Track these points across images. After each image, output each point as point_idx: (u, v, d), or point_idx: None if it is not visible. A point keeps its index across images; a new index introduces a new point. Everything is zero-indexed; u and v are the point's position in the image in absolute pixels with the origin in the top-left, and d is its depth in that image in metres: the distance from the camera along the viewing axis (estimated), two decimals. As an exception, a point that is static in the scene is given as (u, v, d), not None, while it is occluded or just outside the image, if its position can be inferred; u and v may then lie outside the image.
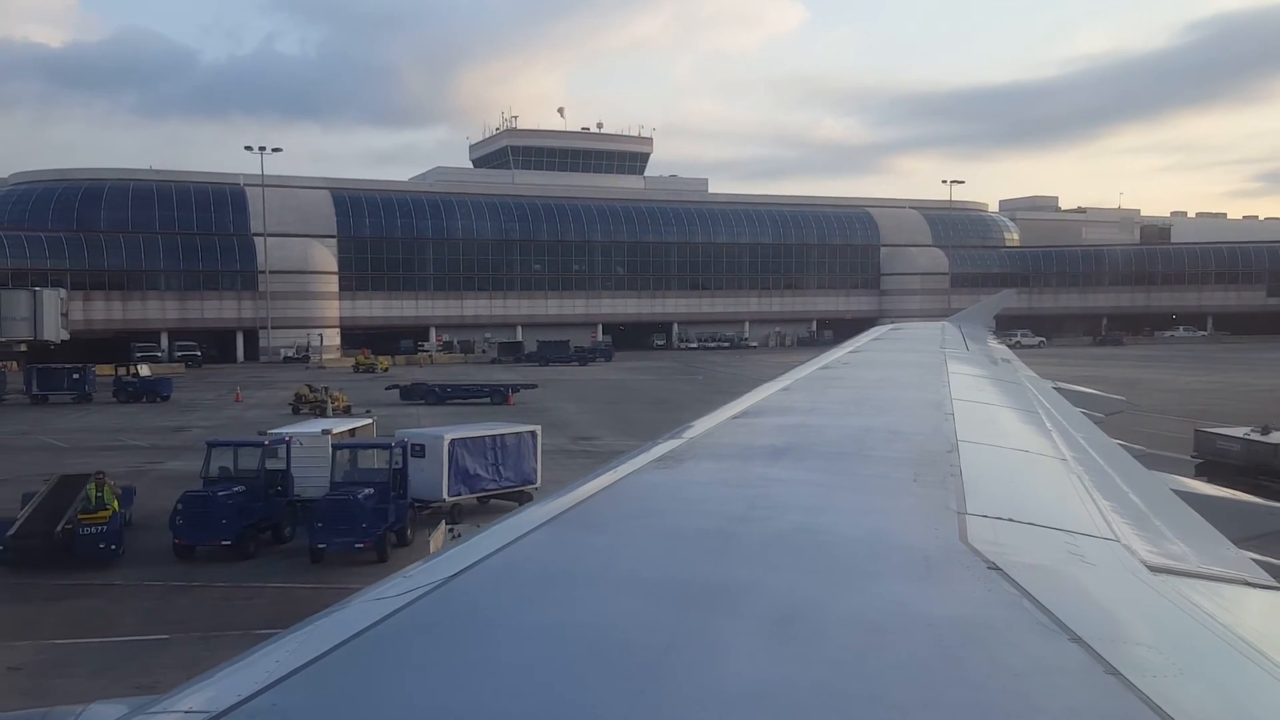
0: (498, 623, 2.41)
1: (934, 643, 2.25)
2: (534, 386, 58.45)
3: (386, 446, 24.16)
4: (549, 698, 1.97)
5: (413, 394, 55.54)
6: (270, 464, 23.94)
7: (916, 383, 8.92)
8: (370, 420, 30.90)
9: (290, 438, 25.33)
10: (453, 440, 25.38)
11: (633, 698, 1.95)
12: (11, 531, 20.73)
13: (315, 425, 28.85)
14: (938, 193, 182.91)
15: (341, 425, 28.47)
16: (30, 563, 20.62)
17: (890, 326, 20.84)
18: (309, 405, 49.88)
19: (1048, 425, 6.60)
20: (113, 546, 21.18)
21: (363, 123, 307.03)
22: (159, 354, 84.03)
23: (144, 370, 62.71)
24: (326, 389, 52.87)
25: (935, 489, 3.86)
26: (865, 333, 18.23)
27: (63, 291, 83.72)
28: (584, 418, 39.88)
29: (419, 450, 24.60)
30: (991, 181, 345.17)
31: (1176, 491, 5.08)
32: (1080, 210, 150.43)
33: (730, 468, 4.39)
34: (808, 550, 3.02)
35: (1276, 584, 3.45)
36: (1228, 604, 3.03)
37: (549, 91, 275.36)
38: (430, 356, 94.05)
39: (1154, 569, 3.12)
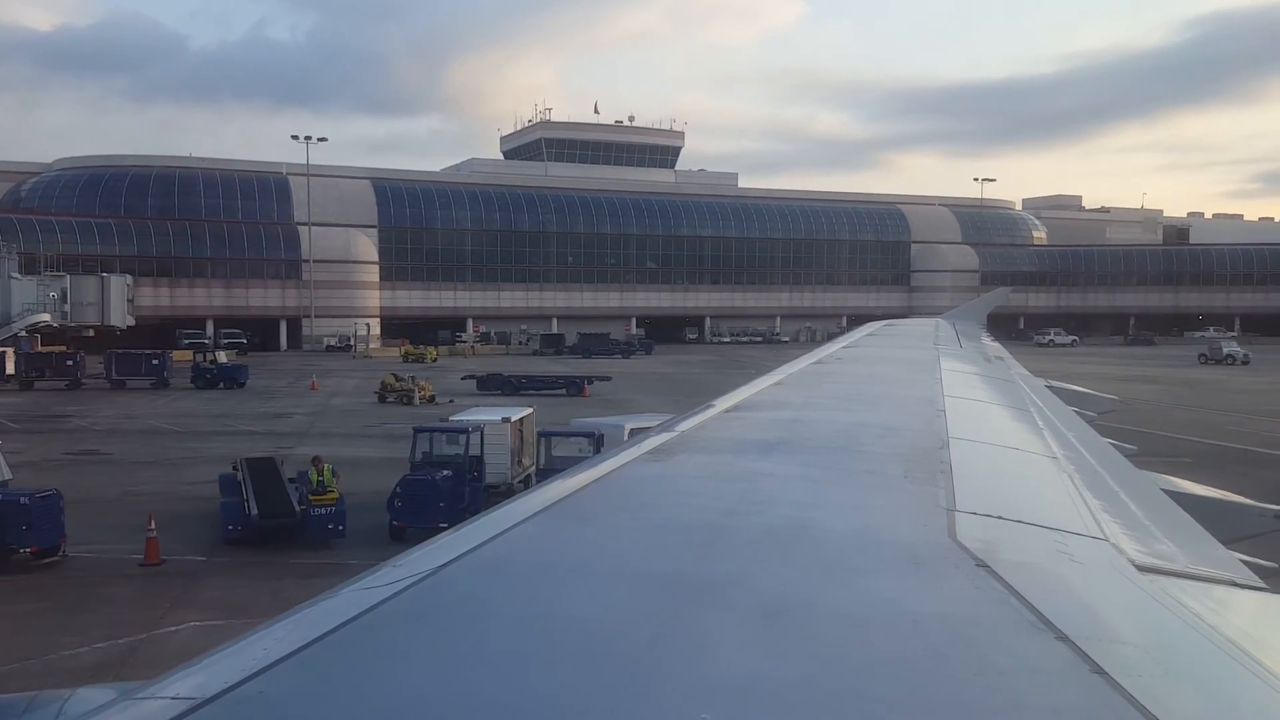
0: (485, 613, 2.43)
1: (920, 639, 2.25)
2: (608, 379, 58.73)
3: (590, 434, 25.52)
4: (535, 687, 1.99)
5: (489, 384, 56.33)
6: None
7: (909, 379, 8.85)
8: (531, 410, 31.72)
9: (483, 425, 26.63)
10: (632, 429, 26.20)
11: (619, 689, 1.97)
12: (256, 512, 21.94)
13: (495, 413, 29.78)
14: (941, 188, 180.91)
15: (516, 414, 29.46)
16: (272, 542, 21.88)
17: (885, 323, 20.76)
18: (395, 394, 51.28)
19: (1039, 423, 6.56)
20: (339, 527, 22.28)
21: (355, 111, 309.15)
22: (206, 341, 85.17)
23: (222, 357, 64.79)
24: (413, 378, 53.96)
25: (925, 485, 3.84)
26: (860, 328, 18.15)
27: (129, 278, 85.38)
28: (671, 409, 40.16)
29: (599, 438, 25.55)
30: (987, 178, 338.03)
31: (1166, 491, 5.05)
32: (1104, 210, 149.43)
33: (721, 462, 4.37)
34: (797, 545, 3.02)
35: (1264, 585, 3.43)
36: (1215, 604, 3.01)
37: (542, 83, 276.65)
38: (472, 348, 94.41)
39: (1142, 568, 3.11)
